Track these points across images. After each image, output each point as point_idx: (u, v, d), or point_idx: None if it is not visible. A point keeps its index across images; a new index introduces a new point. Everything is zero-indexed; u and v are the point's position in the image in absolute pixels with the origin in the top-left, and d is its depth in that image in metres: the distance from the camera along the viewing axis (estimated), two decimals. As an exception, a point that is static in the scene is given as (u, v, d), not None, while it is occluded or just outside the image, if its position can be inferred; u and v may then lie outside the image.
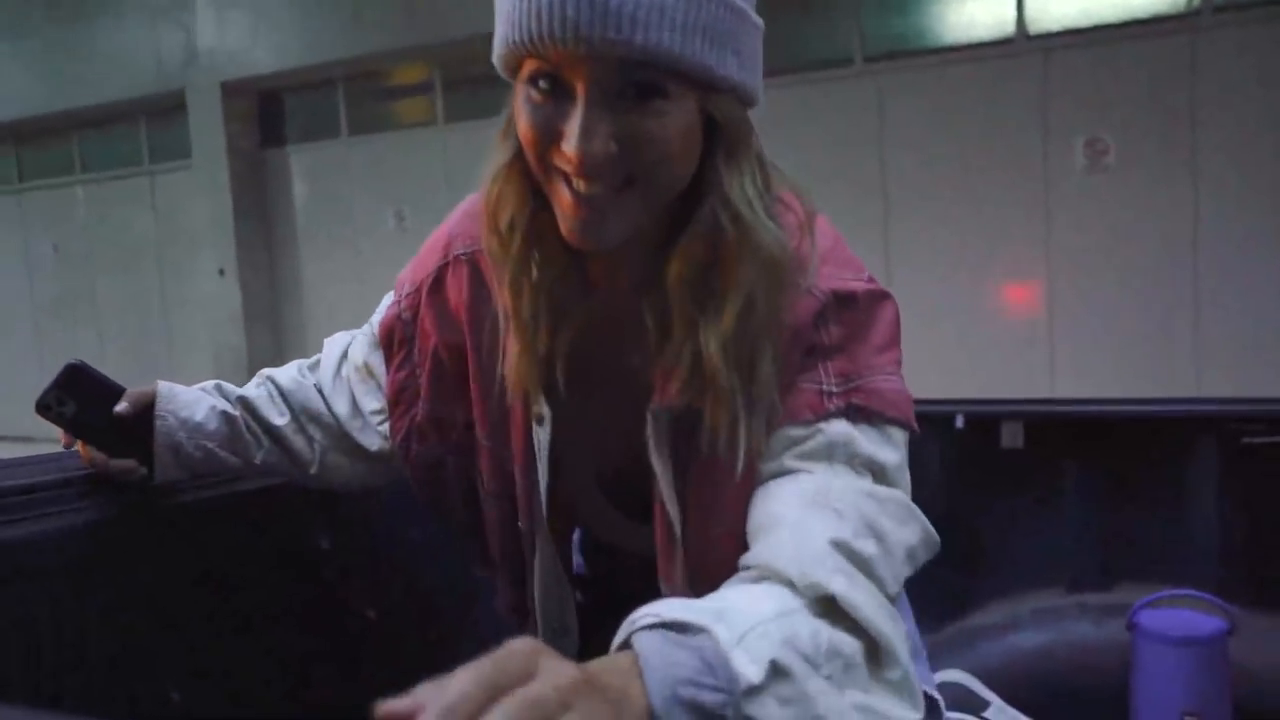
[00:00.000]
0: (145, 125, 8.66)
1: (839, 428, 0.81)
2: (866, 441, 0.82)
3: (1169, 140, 5.13)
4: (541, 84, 0.76)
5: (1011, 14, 5.47)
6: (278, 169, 8.09)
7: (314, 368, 1.18)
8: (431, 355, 1.02)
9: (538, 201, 0.83)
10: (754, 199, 0.81)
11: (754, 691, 0.60)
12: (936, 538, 0.83)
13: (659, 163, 0.77)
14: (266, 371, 1.19)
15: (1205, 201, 5.10)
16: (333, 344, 1.17)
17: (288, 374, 1.18)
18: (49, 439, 1.10)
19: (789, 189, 0.86)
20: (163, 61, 7.95)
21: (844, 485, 0.79)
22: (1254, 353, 4.96)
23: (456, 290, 0.97)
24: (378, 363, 1.09)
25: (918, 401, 0.87)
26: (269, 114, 8.08)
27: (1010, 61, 5.47)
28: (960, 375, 5.56)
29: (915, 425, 0.85)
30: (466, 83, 7.02)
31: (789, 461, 0.82)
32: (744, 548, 0.80)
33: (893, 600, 0.75)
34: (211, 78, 7.76)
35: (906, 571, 0.80)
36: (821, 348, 0.84)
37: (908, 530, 0.80)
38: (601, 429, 0.96)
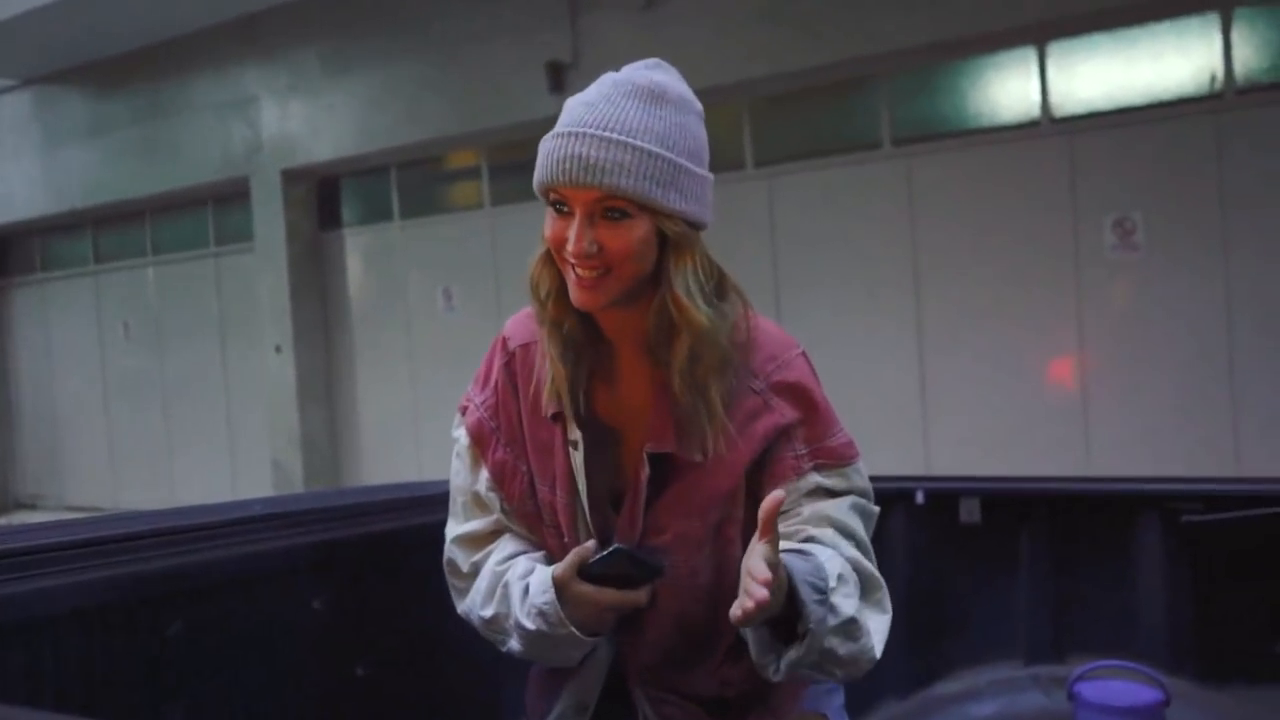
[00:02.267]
0: (212, 210, 9.15)
1: (810, 479, 1.25)
2: (828, 481, 1.25)
3: (1198, 218, 5.18)
4: (559, 206, 1.21)
5: (1036, 99, 5.60)
6: (334, 251, 8.46)
7: (479, 515, 1.37)
8: (514, 427, 1.33)
9: (562, 280, 1.24)
10: (694, 292, 1.21)
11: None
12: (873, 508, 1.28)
13: (623, 259, 1.19)
14: (504, 548, 1.36)
15: (1236, 279, 5.12)
16: (457, 492, 1.40)
17: (507, 546, 1.36)
18: (113, 509, 1.25)
19: (734, 288, 1.26)
20: (229, 152, 8.43)
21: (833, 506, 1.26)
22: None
23: (524, 372, 1.32)
24: (480, 477, 1.36)
25: (880, 478, 1.09)
26: (326, 199, 8.49)
27: (1036, 143, 5.59)
28: (993, 452, 5.57)
29: (858, 458, 1.28)
30: (512, 168, 7.29)
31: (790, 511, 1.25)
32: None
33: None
34: (273, 166, 8.20)
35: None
36: (783, 426, 1.25)
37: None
38: (613, 458, 1.30)
